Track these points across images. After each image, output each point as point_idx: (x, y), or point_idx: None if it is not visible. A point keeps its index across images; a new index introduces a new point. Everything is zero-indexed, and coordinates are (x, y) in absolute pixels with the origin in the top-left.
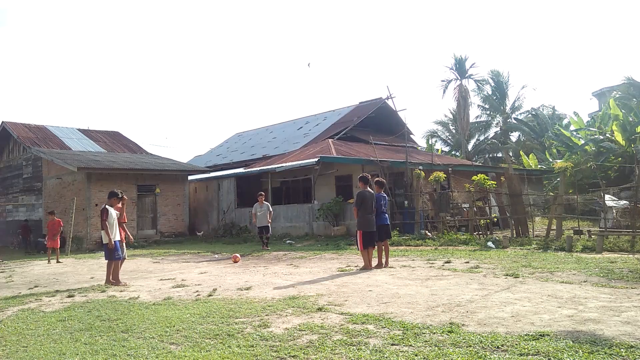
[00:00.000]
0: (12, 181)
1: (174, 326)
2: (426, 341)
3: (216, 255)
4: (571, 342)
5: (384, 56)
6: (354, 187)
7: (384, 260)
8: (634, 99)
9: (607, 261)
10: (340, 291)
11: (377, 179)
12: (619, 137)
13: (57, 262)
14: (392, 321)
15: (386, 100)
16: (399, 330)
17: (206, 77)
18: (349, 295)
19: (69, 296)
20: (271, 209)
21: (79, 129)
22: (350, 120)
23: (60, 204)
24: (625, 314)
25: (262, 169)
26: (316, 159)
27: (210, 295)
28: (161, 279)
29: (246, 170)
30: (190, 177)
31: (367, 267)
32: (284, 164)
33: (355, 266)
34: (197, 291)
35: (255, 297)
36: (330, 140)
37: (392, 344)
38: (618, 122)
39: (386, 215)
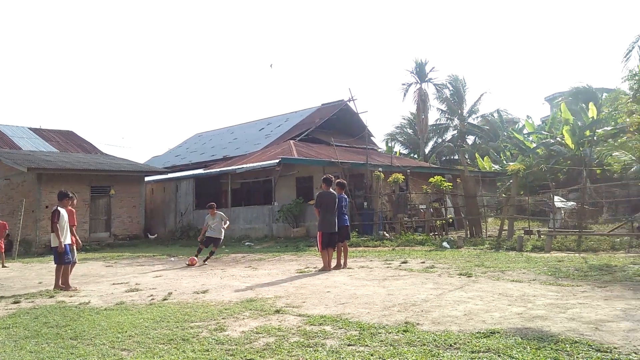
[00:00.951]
0: None
1: (126, 332)
2: (382, 341)
3: (172, 259)
4: (520, 339)
5: (347, 59)
6: (315, 189)
7: (342, 262)
8: (582, 104)
9: (555, 260)
10: (299, 293)
11: (338, 180)
12: (568, 140)
13: (3, 266)
14: (349, 322)
15: (348, 103)
16: (355, 330)
17: (165, 76)
18: (307, 296)
19: (15, 302)
20: (226, 219)
21: (30, 128)
22: (312, 122)
23: (8, 206)
24: (570, 311)
25: (222, 170)
26: (277, 160)
27: (165, 300)
28: (114, 284)
29: (206, 171)
30: (147, 178)
31: (326, 268)
32: (244, 165)
33: (314, 267)
34: (151, 295)
35: (212, 300)
36: (291, 141)
37: (349, 345)
38: (568, 126)
39: (346, 216)
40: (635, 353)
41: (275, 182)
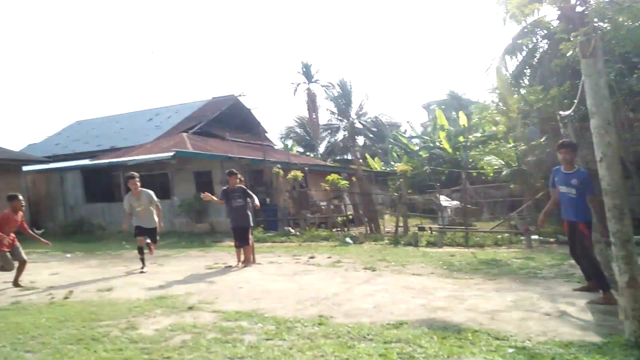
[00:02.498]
0: None
1: (27, 333)
2: (299, 334)
3: (68, 255)
4: (427, 329)
5: (237, 55)
6: (215, 184)
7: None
8: (453, 112)
9: (447, 255)
10: (211, 289)
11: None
12: (446, 145)
13: None
14: (265, 317)
15: (238, 98)
16: (272, 325)
17: (36, 58)
18: (219, 292)
19: None
20: (157, 201)
21: None
22: (204, 115)
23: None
24: (468, 302)
25: (112, 161)
26: (172, 154)
27: (66, 298)
28: (5, 282)
29: (93, 162)
30: (25, 168)
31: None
32: (136, 157)
33: (224, 263)
34: (50, 294)
35: (119, 298)
36: (185, 134)
37: (267, 339)
38: (444, 132)
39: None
40: (529, 340)
41: (172, 176)
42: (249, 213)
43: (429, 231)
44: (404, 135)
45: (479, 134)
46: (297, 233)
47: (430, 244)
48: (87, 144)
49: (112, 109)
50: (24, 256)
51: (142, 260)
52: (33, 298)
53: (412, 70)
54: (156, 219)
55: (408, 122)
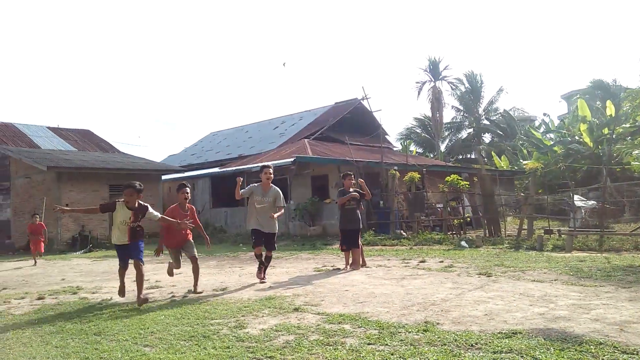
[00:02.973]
0: None
1: (147, 328)
2: (402, 340)
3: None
4: (543, 340)
5: (360, 57)
6: (330, 188)
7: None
8: (599, 103)
9: (576, 260)
10: (317, 291)
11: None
12: (587, 138)
13: (35, 264)
14: (368, 320)
15: (362, 101)
16: (375, 329)
17: (180, 76)
18: (325, 295)
19: (39, 298)
20: (283, 202)
21: (48, 127)
22: (326, 120)
23: (29, 204)
24: (594, 312)
25: (238, 168)
26: (292, 159)
27: (185, 297)
28: (134, 280)
29: (221, 170)
30: (164, 177)
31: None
32: (259, 164)
33: (332, 266)
34: (171, 292)
35: (231, 297)
36: (306, 140)
37: (369, 344)
38: (586, 124)
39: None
40: None
41: (291, 181)
42: (359, 215)
43: (557, 234)
44: (537, 130)
45: (627, 125)
46: (409, 236)
47: (556, 248)
48: (218, 153)
49: (243, 119)
50: (195, 252)
51: (260, 268)
52: (157, 296)
53: (552, 58)
54: (276, 223)
55: (545, 114)
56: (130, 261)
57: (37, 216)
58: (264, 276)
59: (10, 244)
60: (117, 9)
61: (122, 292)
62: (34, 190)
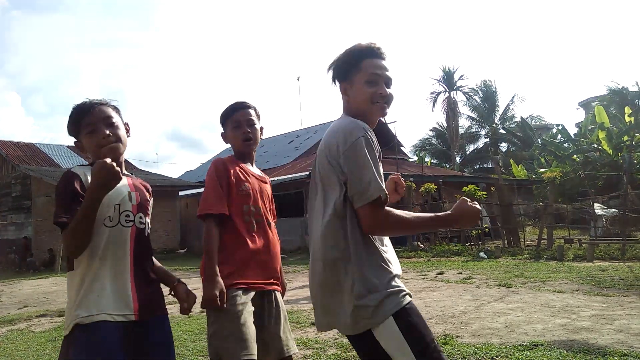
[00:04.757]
0: (0, 200)
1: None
2: None
3: None
4: (565, 352)
5: None
6: None
7: None
8: (612, 109)
9: (598, 269)
10: None
11: None
12: (605, 146)
13: None
14: None
15: None
16: None
17: (196, 92)
18: None
19: (59, 315)
20: None
21: (67, 146)
22: None
23: (50, 223)
24: (617, 322)
25: None
26: (307, 173)
27: (202, 312)
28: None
29: None
30: (181, 193)
31: None
32: (275, 178)
33: None
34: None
35: None
36: None
37: None
38: (604, 131)
39: None
40: None
41: (306, 195)
42: None
43: (578, 243)
44: (554, 139)
45: None
46: (426, 248)
47: (577, 258)
48: None
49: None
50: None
51: None
52: (174, 312)
53: (568, 65)
54: None
55: (559, 123)
56: None
57: None
58: None
59: (32, 262)
60: (137, 24)
61: None
62: (54, 209)
